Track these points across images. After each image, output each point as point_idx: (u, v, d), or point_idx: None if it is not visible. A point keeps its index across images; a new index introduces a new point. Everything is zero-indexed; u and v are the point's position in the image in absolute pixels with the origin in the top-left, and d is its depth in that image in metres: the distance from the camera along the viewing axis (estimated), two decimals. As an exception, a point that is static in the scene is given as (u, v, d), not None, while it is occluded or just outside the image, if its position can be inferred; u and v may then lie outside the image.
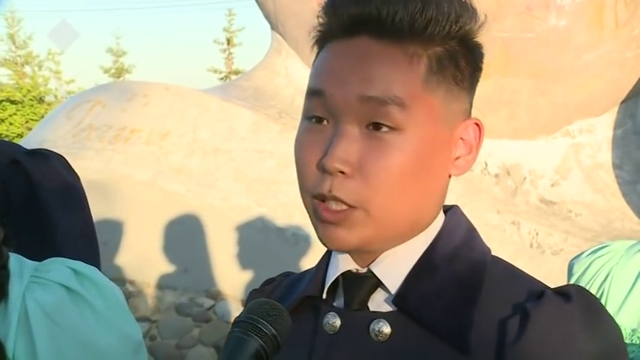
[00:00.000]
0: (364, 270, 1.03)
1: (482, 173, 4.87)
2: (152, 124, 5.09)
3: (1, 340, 1.10)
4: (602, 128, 4.91)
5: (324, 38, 1.03)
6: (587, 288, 1.38)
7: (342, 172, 0.95)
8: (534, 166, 4.85)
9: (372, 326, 1.00)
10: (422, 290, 1.00)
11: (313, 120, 0.99)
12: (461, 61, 1.00)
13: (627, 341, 1.28)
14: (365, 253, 1.02)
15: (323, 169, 0.96)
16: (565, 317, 0.93)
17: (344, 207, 0.96)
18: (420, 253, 1.02)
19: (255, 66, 6.00)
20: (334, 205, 0.96)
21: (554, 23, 4.59)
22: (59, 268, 1.20)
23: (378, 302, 1.02)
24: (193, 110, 5.10)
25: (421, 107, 0.96)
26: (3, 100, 23.52)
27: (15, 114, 23.62)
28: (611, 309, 1.32)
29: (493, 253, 1.06)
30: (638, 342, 1.27)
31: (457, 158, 1.02)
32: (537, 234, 4.42)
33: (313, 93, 0.99)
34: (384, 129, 0.95)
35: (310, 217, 1.01)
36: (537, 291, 0.97)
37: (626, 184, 4.80)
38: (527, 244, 4.41)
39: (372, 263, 1.02)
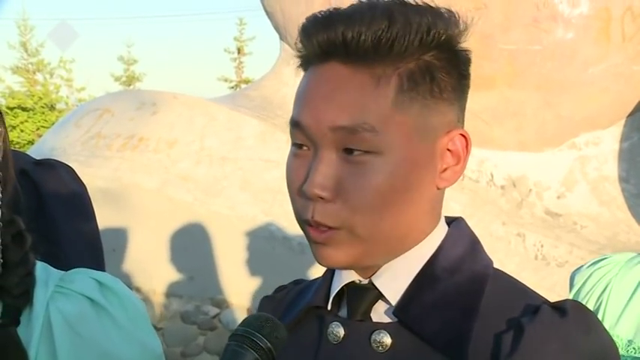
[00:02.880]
0: (366, 281, 1.04)
1: (488, 185, 4.87)
2: (160, 132, 5.11)
3: (25, 348, 1.12)
4: (608, 141, 4.91)
5: (305, 63, 1.04)
6: (586, 298, 1.39)
7: (321, 198, 0.96)
8: (540, 178, 4.85)
9: (373, 337, 1.01)
10: (422, 302, 1.00)
11: (297, 146, 1.00)
12: (437, 73, 0.99)
13: (623, 352, 1.29)
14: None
15: (304, 196, 0.97)
16: (559, 332, 0.94)
17: (327, 230, 0.97)
18: (421, 264, 1.03)
19: (263, 76, 6.02)
20: (321, 228, 0.97)
21: (561, 36, 4.59)
22: (83, 278, 1.22)
23: (380, 313, 1.03)
24: (201, 119, 5.12)
25: (393, 128, 0.95)
26: (14, 108, 23.61)
27: (26, 121, 23.72)
28: (609, 320, 1.34)
29: (498, 265, 1.06)
30: (634, 353, 1.27)
31: (444, 170, 1.01)
32: (542, 246, 4.42)
33: (293, 124, 1.00)
34: (359, 153, 0.95)
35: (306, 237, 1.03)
36: (534, 305, 0.97)
37: (632, 197, 4.79)
38: (532, 255, 4.41)
39: (374, 275, 1.03)
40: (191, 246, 4.62)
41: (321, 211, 0.96)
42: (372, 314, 1.03)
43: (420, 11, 0.97)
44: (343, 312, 1.06)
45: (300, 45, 1.03)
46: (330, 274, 1.10)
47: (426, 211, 1.02)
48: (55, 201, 1.76)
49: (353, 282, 1.04)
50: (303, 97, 1.00)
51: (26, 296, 1.15)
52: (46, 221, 1.69)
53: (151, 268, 4.55)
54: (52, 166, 1.87)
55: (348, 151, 0.96)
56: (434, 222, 1.05)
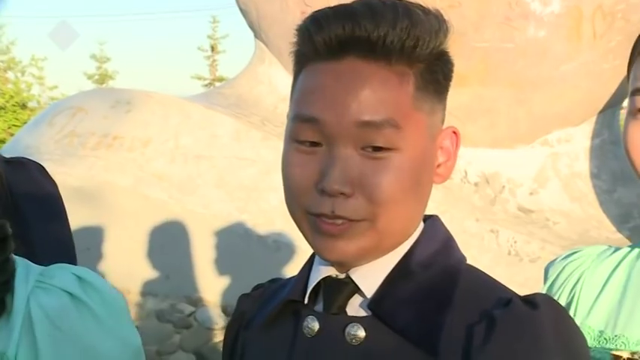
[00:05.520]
0: (343, 276, 1.05)
1: (462, 182, 4.90)
2: (134, 131, 5.09)
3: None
4: (580, 138, 4.96)
5: (307, 58, 1.02)
6: (559, 291, 1.42)
7: (342, 193, 0.96)
8: (513, 174, 4.89)
9: (347, 330, 1.02)
10: (396, 296, 1.02)
11: (305, 144, 1.00)
12: (439, 75, 1.03)
13: (595, 342, 1.31)
14: None
15: (322, 192, 0.97)
16: (531, 324, 0.95)
17: (347, 222, 0.98)
18: (397, 259, 1.04)
19: (238, 74, 6.01)
20: (339, 221, 0.98)
21: (533, 34, 4.64)
22: (64, 274, 1.21)
23: (356, 307, 1.05)
24: (176, 117, 5.11)
25: (412, 125, 0.98)
26: (-15, 106, 23.36)
27: (-3, 120, 23.47)
28: (581, 311, 1.37)
29: (472, 261, 1.08)
30: (605, 343, 1.30)
31: (438, 166, 1.05)
32: (515, 242, 4.46)
33: (305, 120, 0.99)
34: (381, 150, 0.96)
35: (304, 231, 1.03)
36: (505, 298, 0.99)
37: (603, 193, 4.85)
38: (505, 251, 4.45)
39: (351, 269, 1.04)
40: (166, 244, 4.61)
41: (343, 206, 0.97)
42: (347, 308, 1.05)
43: (430, 17, 1.00)
44: (319, 306, 1.08)
45: (303, 39, 1.02)
46: (307, 269, 1.12)
47: (424, 205, 1.06)
48: (28, 201, 1.74)
49: (330, 276, 1.06)
50: (317, 93, 0.99)
51: (2, 306, 1.14)
52: (18, 221, 1.67)
53: (125, 266, 4.54)
54: (23, 164, 1.85)
55: (369, 148, 0.96)
56: (421, 218, 1.08)
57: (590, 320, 1.34)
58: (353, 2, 0.99)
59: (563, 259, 1.46)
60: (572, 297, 1.39)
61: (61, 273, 1.21)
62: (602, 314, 1.34)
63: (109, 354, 1.18)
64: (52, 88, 26.07)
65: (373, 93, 0.96)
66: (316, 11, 1.01)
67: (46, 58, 25.97)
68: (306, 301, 1.09)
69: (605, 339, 1.31)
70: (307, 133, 0.99)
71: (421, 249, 1.05)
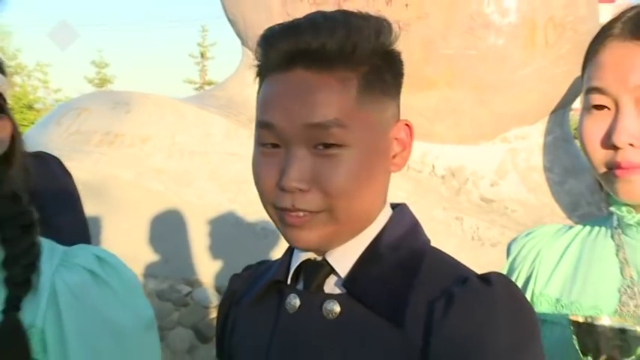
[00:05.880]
0: (320, 258, 1.09)
1: (430, 175, 4.93)
2: (134, 129, 5.08)
3: (24, 329, 1.14)
4: (535, 135, 4.97)
5: (264, 70, 1.06)
6: (520, 265, 1.44)
7: (300, 189, 1.00)
8: (476, 168, 4.90)
9: (324, 306, 1.06)
10: (367, 275, 1.05)
11: (267, 146, 1.03)
12: (386, 74, 1.05)
13: (552, 309, 1.34)
14: None
15: (282, 189, 1.01)
16: (485, 300, 0.97)
17: (308, 213, 1.01)
18: (368, 242, 1.07)
19: (227, 78, 6.00)
20: (300, 213, 1.01)
21: (493, 42, 4.66)
22: (85, 253, 1.25)
23: (332, 286, 1.08)
24: (172, 117, 5.10)
25: (359, 123, 1.00)
26: (-6, 107, 23.01)
27: (5, 120, 23.11)
28: (540, 282, 1.39)
29: (439, 245, 1.11)
30: (561, 310, 1.33)
31: (394, 156, 1.08)
32: (478, 228, 4.49)
33: (264, 125, 1.02)
34: (331, 147, 1.00)
35: (275, 222, 1.06)
36: (463, 276, 1.01)
37: (555, 184, 4.88)
38: (469, 237, 4.48)
39: (327, 253, 1.08)
40: (165, 232, 4.61)
41: (302, 200, 1.00)
42: (324, 287, 1.08)
43: (371, 22, 1.02)
44: (300, 285, 1.11)
45: (260, 54, 1.06)
46: (289, 253, 1.15)
47: (380, 193, 1.08)
48: (47, 192, 1.73)
49: (309, 259, 1.09)
50: (272, 101, 1.02)
51: (28, 285, 1.17)
52: (41, 209, 1.68)
53: (129, 252, 4.52)
54: (42, 158, 1.84)
55: (320, 146, 1.00)
56: (383, 204, 1.10)
57: (548, 289, 1.37)
58: (300, 18, 1.03)
59: (523, 237, 1.48)
60: (532, 270, 1.42)
61: (82, 253, 1.25)
62: (558, 284, 1.37)
63: (125, 324, 1.21)
64: (57, 90, 25.94)
65: (318, 97, 0.98)
66: (267, 29, 1.05)
67: (50, 64, 25.77)
68: (289, 282, 1.12)
69: (561, 305, 1.34)
70: (267, 137, 1.02)
71: (389, 233, 1.07)
